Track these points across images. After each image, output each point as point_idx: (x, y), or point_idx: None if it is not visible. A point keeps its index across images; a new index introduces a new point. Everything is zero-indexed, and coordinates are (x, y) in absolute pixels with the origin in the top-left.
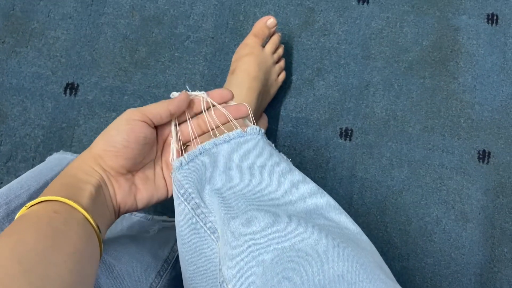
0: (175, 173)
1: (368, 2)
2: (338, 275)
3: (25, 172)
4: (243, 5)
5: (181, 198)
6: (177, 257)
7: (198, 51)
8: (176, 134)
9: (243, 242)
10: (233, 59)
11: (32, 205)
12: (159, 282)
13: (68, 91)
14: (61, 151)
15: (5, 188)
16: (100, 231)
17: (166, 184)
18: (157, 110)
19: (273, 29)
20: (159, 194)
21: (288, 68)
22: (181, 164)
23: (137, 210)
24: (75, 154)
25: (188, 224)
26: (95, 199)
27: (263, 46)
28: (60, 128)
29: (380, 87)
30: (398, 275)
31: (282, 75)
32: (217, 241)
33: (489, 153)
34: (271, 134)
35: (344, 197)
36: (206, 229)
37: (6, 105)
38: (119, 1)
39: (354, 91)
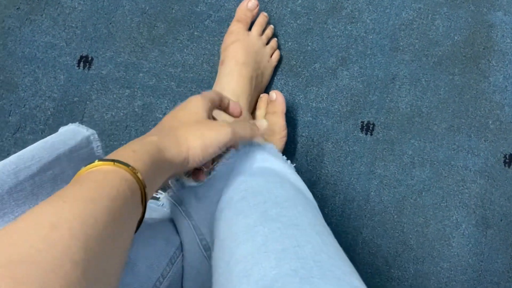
0: (172, 193)
1: None
2: (292, 270)
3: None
4: None
5: (184, 214)
6: None
7: (219, 31)
8: None
9: (221, 251)
10: (221, 49)
11: (105, 164)
12: (169, 270)
13: (82, 64)
14: (77, 123)
15: (14, 156)
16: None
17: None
18: (244, 139)
19: (255, 11)
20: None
21: (311, 55)
22: (179, 188)
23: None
24: (90, 129)
25: (186, 237)
26: (157, 186)
27: (250, 29)
28: (71, 102)
29: (407, 81)
30: (413, 278)
31: (276, 55)
32: (209, 258)
33: None
34: (289, 123)
35: (361, 194)
36: (201, 247)
37: (17, 74)
38: None
39: (379, 83)
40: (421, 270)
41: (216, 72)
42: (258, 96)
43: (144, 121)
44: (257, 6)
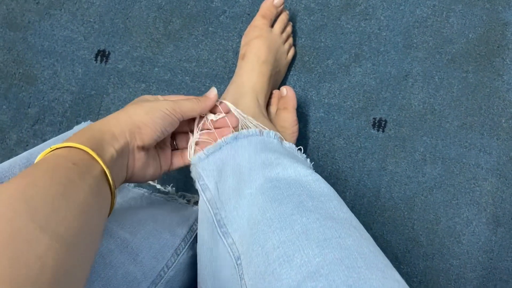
0: (195, 167)
1: None
2: (337, 259)
3: (52, 136)
4: None
5: (200, 188)
6: (196, 237)
7: (233, 27)
8: (197, 131)
9: (256, 235)
10: (242, 43)
11: (55, 149)
12: (175, 261)
13: (99, 58)
14: (88, 121)
15: (27, 152)
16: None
17: (170, 163)
18: (190, 111)
19: (280, 8)
20: (162, 171)
21: (324, 52)
22: (199, 158)
23: (142, 182)
24: None
25: (202, 213)
26: (115, 160)
27: (272, 26)
28: (88, 95)
29: (420, 78)
30: (422, 275)
31: (291, 53)
32: (223, 236)
33: None
34: (301, 119)
35: (372, 190)
36: (215, 222)
37: (36, 67)
38: None
39: (392, 80)
40: (430, 266)
41: (229, 68)
42: (272, 93)
43: None
44: (283, 3)
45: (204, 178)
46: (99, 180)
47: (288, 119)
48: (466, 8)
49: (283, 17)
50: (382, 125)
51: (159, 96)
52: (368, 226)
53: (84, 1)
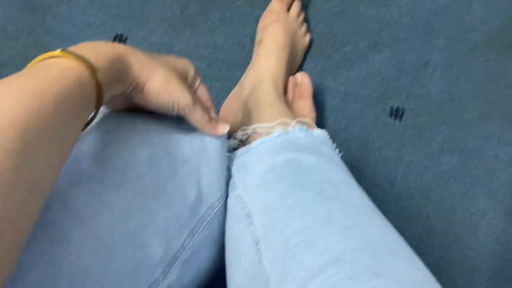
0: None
1: None
2: (360, 246)
3: None
4: None
5: (230, 187)
6: (213, 215)
7: (250, 13)
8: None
9: (275, 221)
10: (259, 28)
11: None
12: (190, 241)
13: (116, 42)
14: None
15: None
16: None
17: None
18: (193, 121)
19: None
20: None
21: (342, 39)
22: (231, 159)
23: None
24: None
25: (231, 208)
26: (112, 93)
27: (288, 10)
28: None
29: (440, 67)
30: (436, 265)
31: (307, 38)
32: (250, 225)
33: None
34: (316, 107)
35: (387, 179)
36: (244, 214)
37: None
38: None
39: (411, 68)
40: (445, 257)
41: (246, 54)
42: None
43: None
44: None
45: (234, 177)
46: (91, 110)
47: (305, 107)
48: None
49: (298, 1)
50: (400, 114)
51: (197, 79)
52: None
53: None
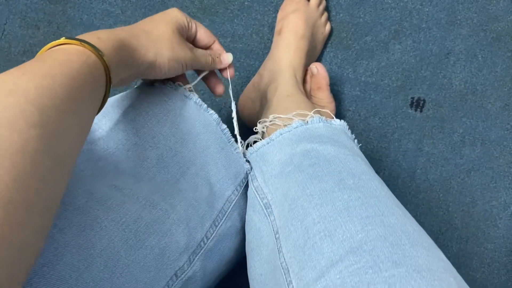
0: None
1: None
2: (380, 236)
3: None
4: None
5: (250, 179)
6: (232, 208)
7: (269, 1)
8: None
9: (295, 210)
10: (278, 17)
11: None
12: (213, 232)
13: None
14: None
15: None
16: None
17: None
18: (200, 67)
19: None
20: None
21: (363, 28)
22: (250, 152)
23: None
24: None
25: (251, 199)
26: (120, 77)
27: None
28: None
29: (462, 57)
30: (455, 257)
31: (328, 28)
32: (269, 215)
33: None
34: (336, 97)
35: (406, 171)
36: (262, 205)
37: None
38: None
39: (433, 58)
40: (464, 249)
41: (265, 43)
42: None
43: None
44: None
45: (254, 169)
46: (102, 91)
47: (324, 98)
48: None
49: None
50: (420, 105)
51: (193, 25)
52: None
53: None
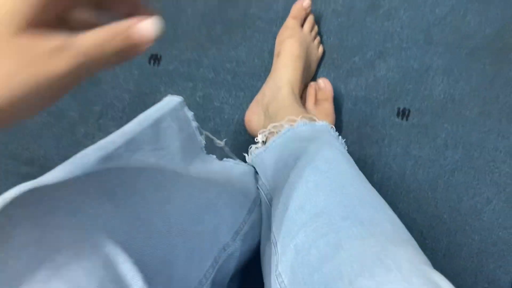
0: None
1: None
2: (337, 201)
3: (115, 129)
4: None
5: (260, 188)
6: (259, 204)
7: (268, 30)
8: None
9: (279, 196)
10: (276, 42)
11: None
12: (248, 218)
13: (152, 61)
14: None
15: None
16: None
17: None
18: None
19: (308, 9)
20: None
21: (351, 50)
22: (253, 158)
23: None
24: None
25: (264, 205)
26: None
27: (302, 26)
28: (144, 94)
29: (440, 71)
30: (445, 249)
31: (320, 50)
32: (270, 206)
33: None
34: None
35: (397, 172)
36: (265, 197)
37: (101, 71)
38: None
39: (414, 73)
40: (453, 241)
41: (265, 66)
42: (305, 85)
43: (204, 109)
44: (310, 5)
45: (261, 177)
46: None
47: (328, 109)
48: (482, 6)
49: (311, 18)
50: (406, 114)
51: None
52: (394, 206)
53: None
